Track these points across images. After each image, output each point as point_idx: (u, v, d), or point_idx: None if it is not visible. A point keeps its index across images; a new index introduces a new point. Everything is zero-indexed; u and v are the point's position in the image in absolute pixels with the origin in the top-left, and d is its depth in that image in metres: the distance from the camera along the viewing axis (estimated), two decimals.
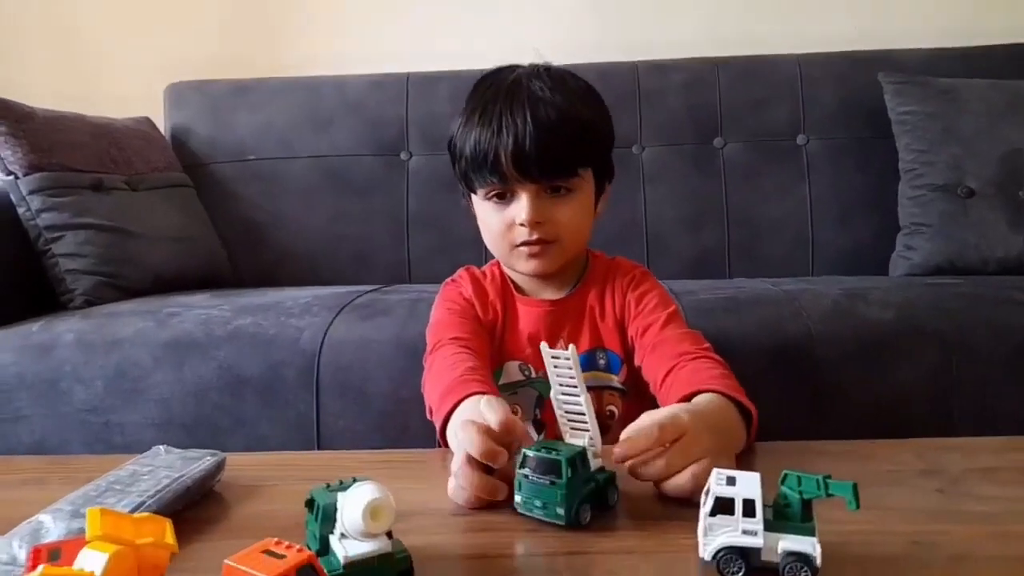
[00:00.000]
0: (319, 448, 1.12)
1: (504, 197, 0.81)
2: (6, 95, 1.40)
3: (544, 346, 0.56)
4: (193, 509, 0.55)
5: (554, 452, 0.52)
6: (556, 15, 1.87)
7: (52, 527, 0.46)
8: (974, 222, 1.43)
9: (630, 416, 0.79)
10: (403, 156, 1.70)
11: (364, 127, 1.71)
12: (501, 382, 0.86)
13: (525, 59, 1.68)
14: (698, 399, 0.64)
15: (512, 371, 0.87)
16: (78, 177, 1.41)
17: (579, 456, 0.53)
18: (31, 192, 1.35)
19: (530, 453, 0.53)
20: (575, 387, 0.54)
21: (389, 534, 0.44)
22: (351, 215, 1.67)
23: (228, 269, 1.63)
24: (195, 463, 0.57)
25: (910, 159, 1.51)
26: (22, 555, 0.44)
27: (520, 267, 0.85)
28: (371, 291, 1.32)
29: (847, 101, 1.64)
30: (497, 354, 0.86)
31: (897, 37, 1.71)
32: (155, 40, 1.92)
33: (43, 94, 1.56)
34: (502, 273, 0.91)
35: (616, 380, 0.85)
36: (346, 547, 0.43)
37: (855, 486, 0.42)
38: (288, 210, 1.68)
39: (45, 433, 1.16)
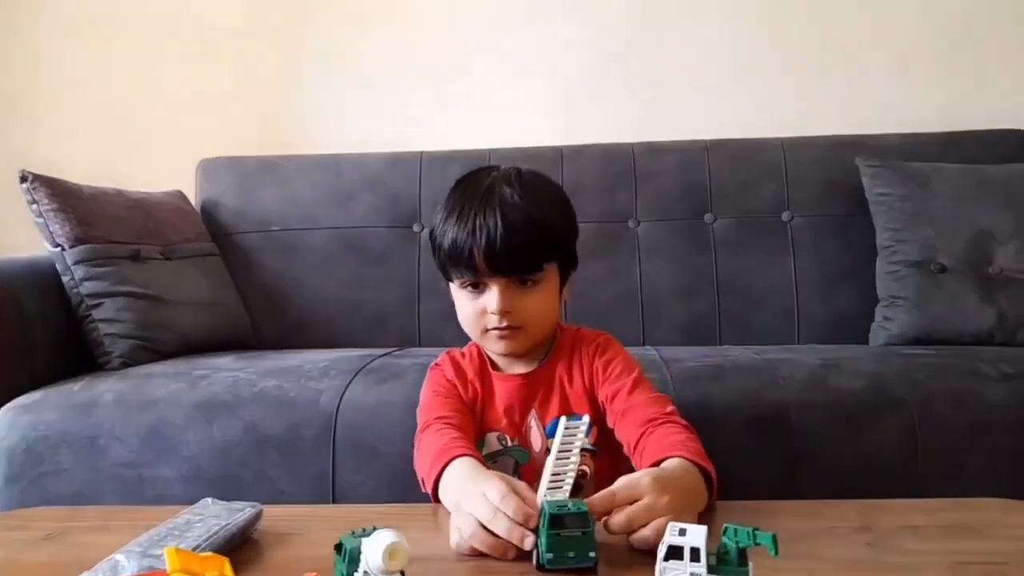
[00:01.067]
0: (334, 502, 1.21)
1: (477, 287, 0.91)
2: (56, 173, 1.55)
3: (563, 418, 0.65)
4: (236, 552, 0.65)
5: (574, 507, 0.60)
6: (560, 100, 2.03)
7: (127, 564, 0.56)
8: (947, 296, 1.54)
9: (601, 474, 0.89)
10: (415, 228, 1.83)
11: (381, 201, 1.85)
12: (483, 452, 0.94)
13: (530, 140, 1.85)
14: (665, 464, 0.74)
15: (492, 442, 0.95)
16: (118, 248, 1.54)
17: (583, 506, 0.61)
18: (75, 262, 1.48)
19: (555, 512, 0.60)
20: (571, 451, 0.64)
21: (403, 574, 0.54)
22: (367, 282, 1.80)
23: (251, 332, 1.75)
24: (238, 513, 0.68)
25: (886, 237, 1.63)
26: None
27: (491, 348, 0.95)
28: (384, 355, 1.43)
29: (828, 181, 1.76)
30: (479, 427, 0.95)
31: (875, 122, 1.85)
32: (188, 119, 2.09)
33: (87, 170, 1.71)
34: (480, 352, 1.00)
35: (587, 442, 0.92)
36: None
37: (775, 536, 0.52)
38: (307, 277, 1.81)
39: (83, 486, 1.25)
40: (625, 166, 1.83)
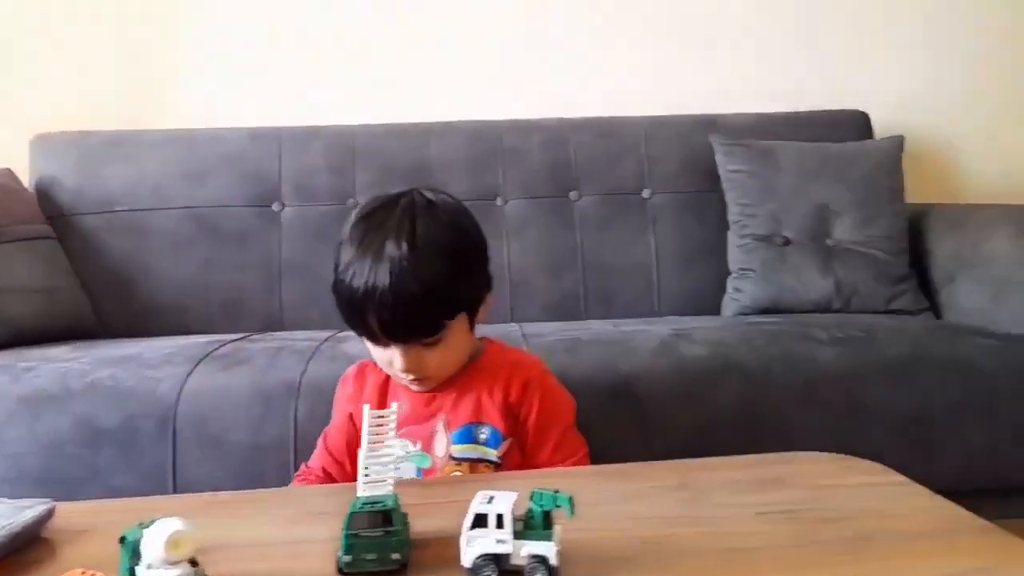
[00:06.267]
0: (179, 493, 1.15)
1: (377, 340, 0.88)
2: None
3: (366, 407, 0.62)
4: (21, 553, 0.60)
5: (377, 504, 0.56)
6: (430, 75, 1.99)
7: None
8: (790, 267, 1.63)
9: None
10: (275, 207, 1.75)
11: (238, 179, 1.76)
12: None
13: (398, 114, 1.80)
14: None
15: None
16: None
17: (397, 502, 0.57)
18: None
19: (355, 511, 0.56)
20: (384, 441, 0.60)
21: (195, 563, 0.51)
22: (223, 265, 1.71)
23: (94, 321, 1.62)
24: (25, 511, 0.62)
25: (737, 212, 1.70)
26: None
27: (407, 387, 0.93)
28: (235, 340, 1.36)
29: (686, 159, 1.82)
30: None
31: (728, 102, 1.92)
32: (19, 91, 1.91)
33: None
34: None
35: (494, 454, 0.90)
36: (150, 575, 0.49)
37: (571, 498, 0.53)
38: (157, 261, 1.70)
39: None
40: (493, 144, 1.83)
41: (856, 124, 1.90)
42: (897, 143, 1.75)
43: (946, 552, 0.57)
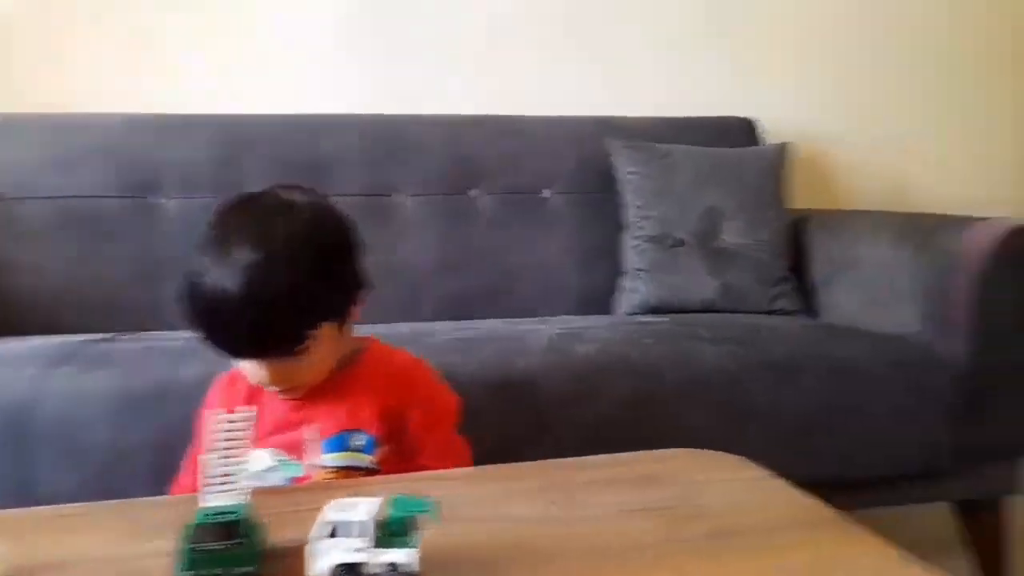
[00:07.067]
0: (37, 504, 1.05)
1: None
2: None
3: (218, 412, 0.58)
4: None
5: (223, 515, 0.52)
6: (317, 65, 1.93)
7: None
8: (681, 268, 1.67)
9: None
10: (152, 199, 1.65)
11: (112, 168, 1.64)
12: (252, 470, 0.84)
13: (288, 107, 1.73)
14: None
15: (262, 459, 0.86)
16: None
17: (249, 510, 0.54)
18: None
19: (200, 522, 0.52)
20: (239, 447, 0.56)
21: None
22: (95, 260, 1.59)
23: None
24: None
25: (632, 213, 1.73)
26: None
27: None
28: (102, 340, 1.27)
29: (584, 160, 1.83)
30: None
31: (622, 106, 1.96)
32: None
33: None
34: None
35: (368, 460, 0.86)
36: None
37: (437, 502, 0.51)
38: (20, 255, 1.56)
39: None
40: (393, 138, 1.79)
41: (743, 130, 1.97)
42: (782, 149, 1.83)
43: (800, 545, 0.58)
